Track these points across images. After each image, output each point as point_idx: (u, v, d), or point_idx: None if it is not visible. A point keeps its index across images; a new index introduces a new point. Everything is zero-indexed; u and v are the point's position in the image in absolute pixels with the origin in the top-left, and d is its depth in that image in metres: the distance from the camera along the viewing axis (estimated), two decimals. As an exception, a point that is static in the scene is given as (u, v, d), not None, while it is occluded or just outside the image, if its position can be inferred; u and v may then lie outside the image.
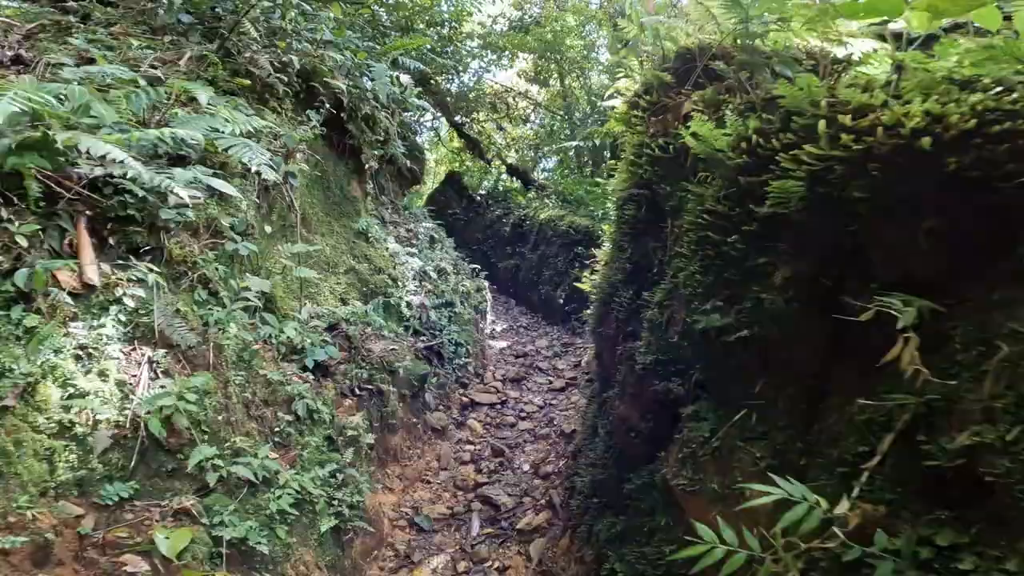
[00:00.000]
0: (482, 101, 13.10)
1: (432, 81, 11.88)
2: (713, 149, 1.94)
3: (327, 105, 5.57)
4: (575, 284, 8.87)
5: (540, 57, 14.99)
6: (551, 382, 6.78)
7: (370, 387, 4.82)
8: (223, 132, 3.76)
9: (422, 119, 11.72)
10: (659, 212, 2.66)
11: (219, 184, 3.15)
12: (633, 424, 2.57)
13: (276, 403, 3.93)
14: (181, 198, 2.74)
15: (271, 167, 3.34)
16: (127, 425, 2.87)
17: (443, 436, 5.74)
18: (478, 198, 13.13)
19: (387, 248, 6.35)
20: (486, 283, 8.44)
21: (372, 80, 6.18)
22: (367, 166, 6.19)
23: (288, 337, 4.30)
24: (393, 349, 5.21)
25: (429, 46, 9.78)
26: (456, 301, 6.80)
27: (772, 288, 1.77)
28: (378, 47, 7.46)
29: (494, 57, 14.35)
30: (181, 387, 2.88)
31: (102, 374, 2.82)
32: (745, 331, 1.85)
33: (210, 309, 3.36)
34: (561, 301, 8.57)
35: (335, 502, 3.84)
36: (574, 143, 11.00)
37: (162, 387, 2.88)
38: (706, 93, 2.38)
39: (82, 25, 4.76)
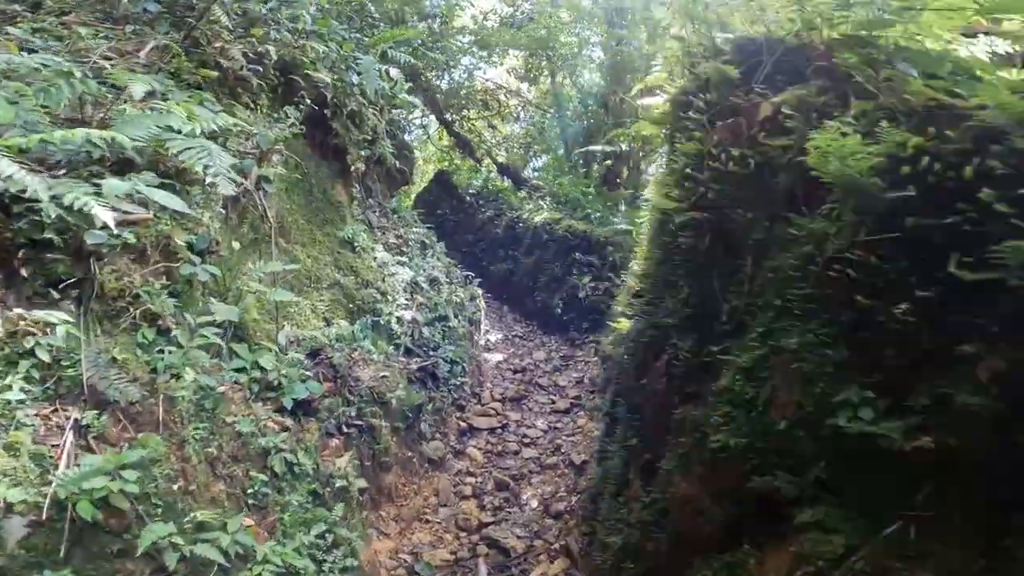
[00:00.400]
0: (473, 98, 12.41)
1: (422, 76, 11.17)
2: (850, 172, 1.37)
3: (308, 101, 4.89)
4: (574, 292, 8.28)
5: (531, 55, 14.34)
6: (553, 402, 6.20)
7: (359, 423, 4.18)
8: (180, 132, 3.09)
9: (411, 116, 11.01)
10: (732, 245, 2.09)
11: (162, 197, 2.50)
12: (702, 507, 2.01)
13: (249, 458, 3.28)
14: (103, 219, 2.07)
15: (229, 176, 2.68)
16: (49, 507, 2.21)
17: (441, 467, 5.13)
18: (468, 198, 12.45)
19: (375, 258, 5.69)
20: (479, 291, 7.82)
21: (359, 74, 5.49)
22: (353, 168, 5.52)
23: (263, 372, 3.64)
24: (384, 376, 4.58)
25: (420, 40, 9.08)
26: (450, 314, 6.18)
27: (970, 384, 1.21)
28: (366, 39, 6.76)
29: (484, 54, 13.67)
30: (117, 461, 2.22)
31: (11, 448, 2.15)
32: (918, 442, 1.29)
33: (159, 352, 2.70)
34: (559, 310, 7.99)
35: (325, 566, 3.22)
36: (599, 147, 10.35)
37: (90, 461, 2.22)
38: (805, 92, 1.80)
39: (30, 14, 4.04)
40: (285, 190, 4.99)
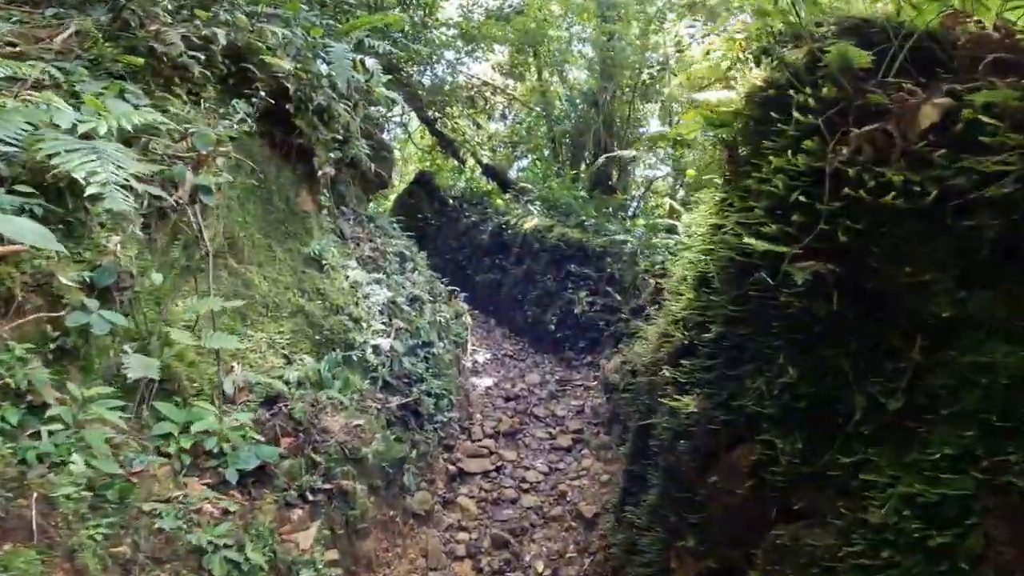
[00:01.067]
0: (457, 95, 11.58)
1: (403, 71, 10.29)
2: None
3: (264, 94, 4.04)
4: (568, 308, 7.54)
5: (517, 50, 13.55)
6: (553, 436, 5.45)
7: (328, 487, 3.37)
8: (74, 130, 2.25)
9: (390, 114, 10.13)
10: (881, 314, 1.38)
11: (10, 226, 1.66)
12: None
13: (177, 558, 2.46)
14: None
15: (123, 186, 1.86)
16: None
17: (428, 522, 4.34)
18: (451, 201, 11.61)
19: (347, 276, 4.86)
20: (465, 306, 7.03)
21: (329, 64, 4.65)
22: (321, 171, 4.68)
23: (198, 437, 2.82)
24: (358, 425, 3.77)
25: (401, 30, 8.22)
26: (434, 338, 5.38)
27: None
28: (339, 24, 5.90)
29: (468, 49, 12.84)
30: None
31: None
32: None
33: (31, 437, 1.87)
34: (552, 327, 7.24)
35: None
36: (630, 152, 9.60)
37: None
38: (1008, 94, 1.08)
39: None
40: (238, 200, 4.14)
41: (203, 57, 3.72)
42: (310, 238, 4.66)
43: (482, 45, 12.97)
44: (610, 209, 8.55)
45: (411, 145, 14.35)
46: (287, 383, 3.60)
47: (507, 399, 6.17)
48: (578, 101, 13.24)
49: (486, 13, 12.18)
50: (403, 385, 4.91)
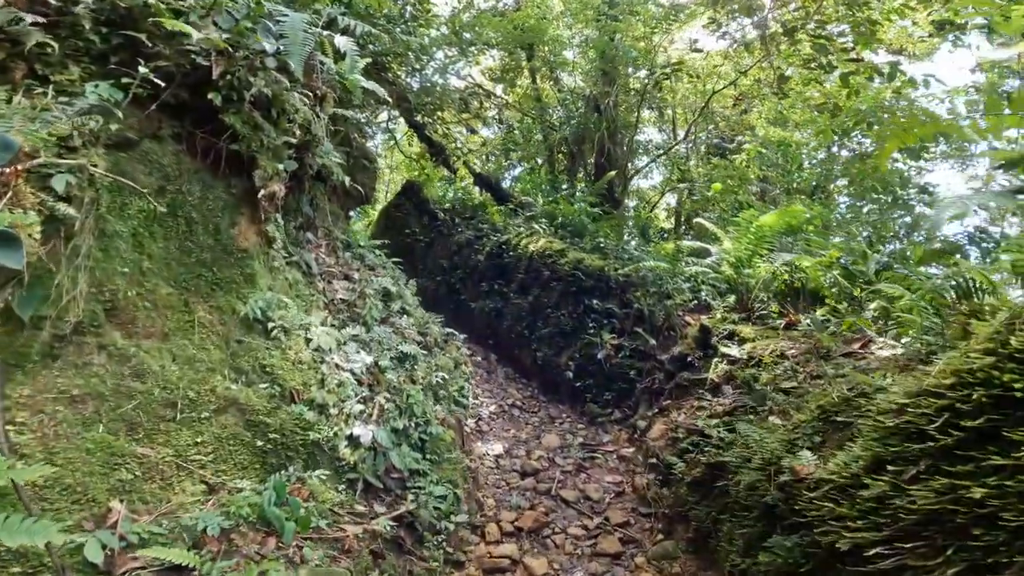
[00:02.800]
0: (448, 98, 10.09)
1: (390, 69, 8.75)
2: None
3: (144, 70, 2.53)
4: (590, 352, 6.08)
5: (509, 54, 12.12)
6: (591, 534, 3.99)
7: None
8: None
9: (375, 116, 8.60)
10: None
11: None
12: None
13: None
14: None
15: None
16: None
17: None
18: (442, 215, 10.11)
19: (309, 340, 3.36)
20: (465, 351, 5.55)
21: (280, 38, 3.14)
22: (265, 190, 3.16)
23: None
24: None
25: (387, 19, 6.72)
26: (430, 412, 3.89)
27: None
28: (300, -4, 4.39)
29: (458, 53, 11.38)
30: None
31: None
32: None
33: None
34: (569, 375, 5.79)
35: None
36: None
37: None
38: None
39: None
40: (132, 236, 2.61)
41: (60, 21, 2.21)
42: (251, 288, 3.14)
43: (474, 46, 11.53)
44: (633, 228, 7.13)
45: (398, 152, 12.81)
46: (203, 534, 2.09)
47: (523, 474, 4.71)
48: (579, 105, 11.85)
49: (479, 12, 10.74)
50: (393, 484, 3.42)
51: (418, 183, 11.11)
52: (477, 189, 11.76)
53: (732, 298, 5.48)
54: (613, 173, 9.07)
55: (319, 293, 4.14)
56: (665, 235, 10.43)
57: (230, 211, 3.15)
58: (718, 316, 5.40)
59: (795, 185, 9.92)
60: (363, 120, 6.91)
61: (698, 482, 3.66)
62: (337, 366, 3.46)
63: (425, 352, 4.60)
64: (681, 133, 12.73)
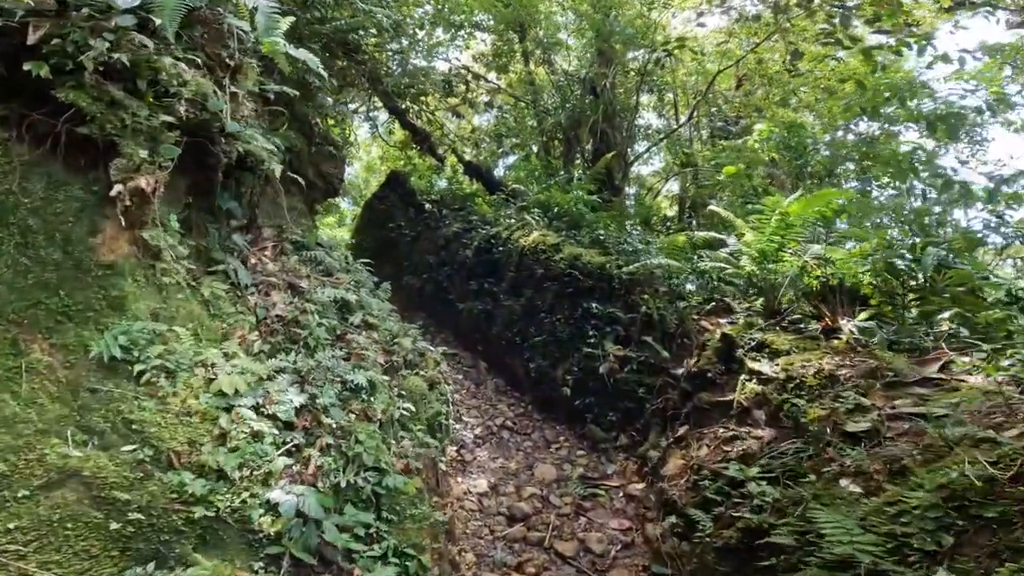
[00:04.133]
0: (431, 80, 9.08)
1: (361, 49, 7.73)
2: None
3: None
4: (590, 364, 5.13)
5: (500, 37, 11.07)
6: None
7: None
8: None
9: (344, 99, 7.59)
10: None
11: None
12: None
13: None
14: None
15: None
16: None
17: None
18: (429, 206, 9.15)
19: (211, 379, 2.44)
20: (445, 368, 4.65)
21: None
22: (123, 185, 2.21)
23: None
24: None
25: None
26: (387, 462, 2.98)
27: None
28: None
29: (445, 35, 10.35)
30: None
31: None
32: None
33: None
34: (567, 390, 4.88)
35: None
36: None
37: None
38: None
39: None
40: None
41: None
42: (119, 316, 2.22)
43: (463, 29, 10.50)
44: (635, 218, 6.18)
45: (381, 141, 11.82)
46: None
47: (512, 518, 3.82)
48: (574, 89, 10.83)
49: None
50: (334, 554, 2.54)
51: (403, 173, 10.14)
52: (467, 178, 10.80)
53: (759, 301, 4.56)
54: (611, 155, 8.10)
55: (249, 311, 3.22)
56: (669, 225, 9.46)
57: (89, 214, 2.22)
58: (742, 322, 4.48)
59: (808, 169, 8.94)
60: (328, 103, 5.93)
61: (730, 549, 2.77)
62: (256, 409, 2.54)
63: (388, 377, 3.69)
64: (683, 117, 11.73)
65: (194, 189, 3.16)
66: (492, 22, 10.72)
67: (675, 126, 11.55)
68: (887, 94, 6.48)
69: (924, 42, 6.65)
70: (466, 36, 10.78)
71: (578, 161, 10.99)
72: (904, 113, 6.98)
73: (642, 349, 4.61)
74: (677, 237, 5.01)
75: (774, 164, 9.10)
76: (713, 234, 5.12)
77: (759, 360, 3.96)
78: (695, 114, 10.59)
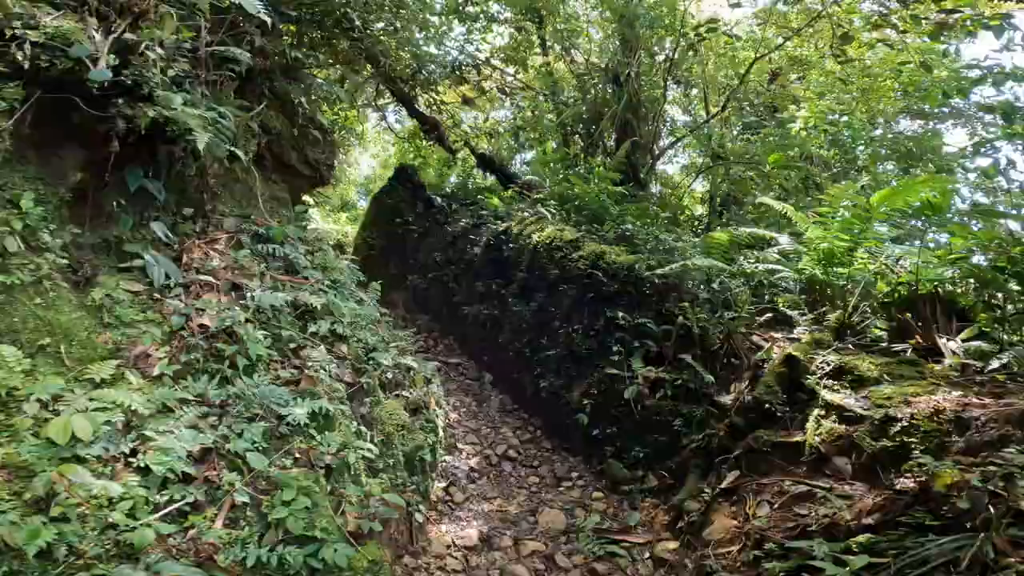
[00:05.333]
0: (439, 64, 8.24)
1: (367, 30, 6.89)
2: None
3: None
4: (613, 386, 4.11)
5: (518, 30, 10.18)
6: None
7: None
8: None
9: (340, 82, 6.76)
10: None
11: None
12: None
13: None
14: None
15: None
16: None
17: None
18: (438, 200, 8.33)
19: (33, 420, 1.60)
20: (436, 389, 3.76)
21: None
22: None
23: None
24: None
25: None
26: (330, 526, 2.11)
27: None
28: None
29: (463, 30, 9.52)
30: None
31: None
32: None
33: None
34: (584, 417, 3.95)
35: None
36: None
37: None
38: None
39: None
40: None
41: None
42: None
43: (478, 25, 9.67)
44: (662, 215, 5.22)
45: (390, 132, 11.05)
46: None
47: (508, 590, 2.91)
48: (595, 78, 9.89)
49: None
50: None
51: (412, 167, 9.30)
52: (481, 171, 9.94)
53: (834, 314, 3.58)
54: (632, 141, 7.13)
55: (164, 318, 2.39)
56: (698, 224, 8.44)
57: None
58: (806, 338, 3.50)
59: (859, 163, 7.83)
60: (317, 83, 5.09)
61: None
62: (125, 458, 1.71)
63: (354, 403, 2.83)
64: (712, 109, 10.68)
65: (91, 165, 2.36)
66: (508, 13, 9.87)
67: (701, 120, 10.52)
68: (953, 83, 5.39)
69: (1000, 23, 5.52)
70: (482, 29, 9.93)
71: (599, 156, 10.05)
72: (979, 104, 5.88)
73: (679, 370, 3.66)
74: (717, 234, 4.04)
75: (808, 160, 8.00)
76: (763, 231, 4.15)
77: (838, 390, 2.99)
78: (729, 103, 9.53)
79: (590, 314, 4.17)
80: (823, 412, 2.97)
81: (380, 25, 6.88)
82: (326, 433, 2.44)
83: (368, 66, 6.90)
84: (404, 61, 7.59)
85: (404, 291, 8.01)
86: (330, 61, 5.80)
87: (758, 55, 9.10)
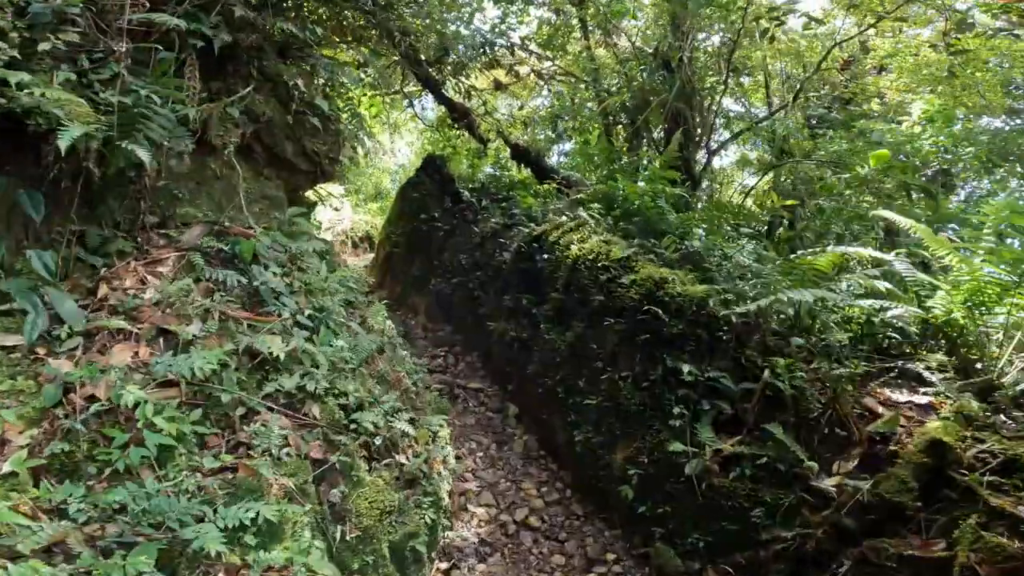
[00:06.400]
0: (468, 44, 7.32)
1: (393, 7, 6.02)
2: None
3: None
4: (668, 454, 3.12)
5: (557, 10, 9.09)
6: None
7: None
8: None
9: (352, 64, 5.92)
10: None
11: None
12: None
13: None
14: None
15: None
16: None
17: None
18: (467, 196, 7.46)
19: None
20: (447, 451, 2.93)
21: None
22: None
23: None
24: None
25: None
26: None
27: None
28: None
29: (498, 14, 8.53)
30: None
31: None
32: None
33: None
34: (629, 491, 3.02)
35: None
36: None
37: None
38: None
39: None
40: None
41: None
42: None
43: (514, 8, 8.64)
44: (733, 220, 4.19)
45: (417, 121, 10.23)
46: None
47: None
48: (642, 63, 8.76)
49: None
50: None
51: (440, 158, 8.45)
52: (516, 165, 9.01)
53: (991, 376, 2.55)
54: (684, 130, 6.06)
55: (39, 386, 1.63)
56: (761, 235, 7.22)
57: None
58: (948, 407, 2.49)
59: (964, 167, 6.48)
60: (321, 62, 4.22)
61: None
62: None
63: (322, 484, 2.03)
64: (775, 101, 9.37)
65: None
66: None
67: (755, 111, 9.24)
68: None
69: None
70: (519, 12, 8.90)
71: (645, 148, 8.93)
72: None
73: (762, 442, 2.70)
74: (820, 259, 3.00)
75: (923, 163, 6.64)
76: (880, 254, 3.09)
77: (1009, 491, 2.02)
78: (800, 95, 8.23)
79: (644, 359, 3.21)
80: (982, 518, 2.01)
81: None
82: (261, 552, 1.64)
83: (391, 48, 6.06)
84: (428, 41, 6.71)
85: (427, 296, 7.22)
86: (335, 39, 4.95)
87: (838, 39, 7.78)
